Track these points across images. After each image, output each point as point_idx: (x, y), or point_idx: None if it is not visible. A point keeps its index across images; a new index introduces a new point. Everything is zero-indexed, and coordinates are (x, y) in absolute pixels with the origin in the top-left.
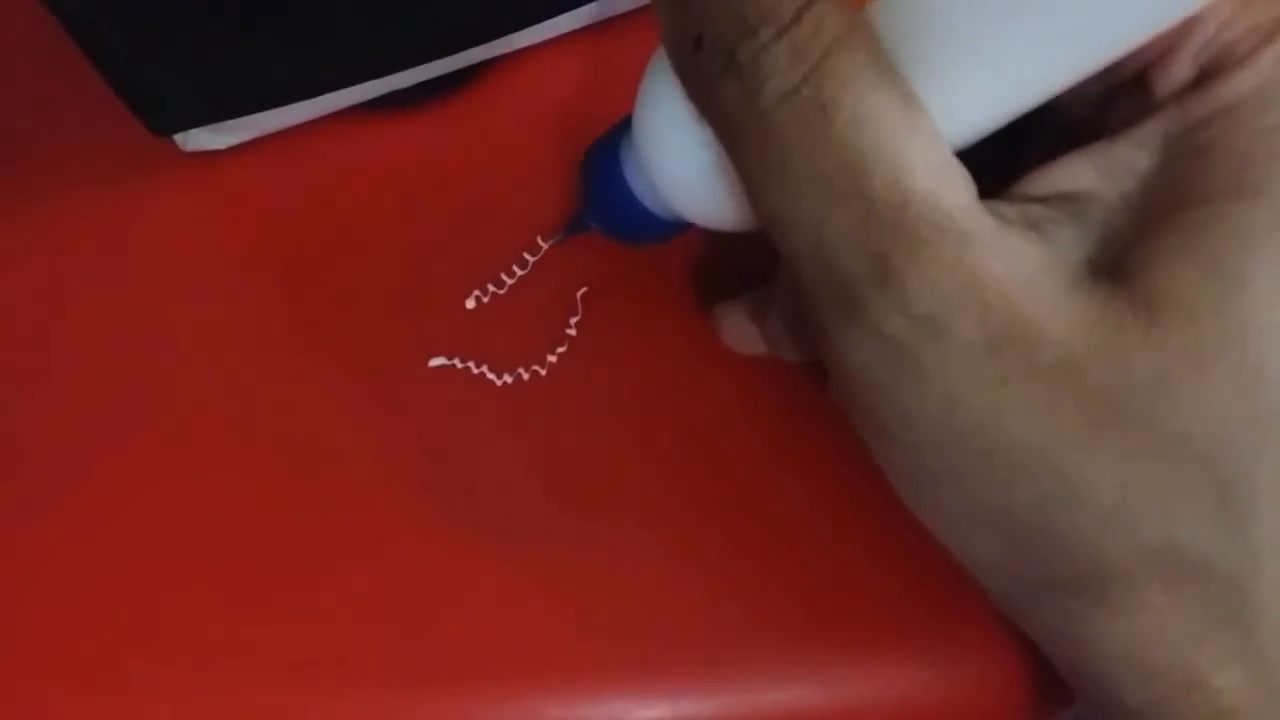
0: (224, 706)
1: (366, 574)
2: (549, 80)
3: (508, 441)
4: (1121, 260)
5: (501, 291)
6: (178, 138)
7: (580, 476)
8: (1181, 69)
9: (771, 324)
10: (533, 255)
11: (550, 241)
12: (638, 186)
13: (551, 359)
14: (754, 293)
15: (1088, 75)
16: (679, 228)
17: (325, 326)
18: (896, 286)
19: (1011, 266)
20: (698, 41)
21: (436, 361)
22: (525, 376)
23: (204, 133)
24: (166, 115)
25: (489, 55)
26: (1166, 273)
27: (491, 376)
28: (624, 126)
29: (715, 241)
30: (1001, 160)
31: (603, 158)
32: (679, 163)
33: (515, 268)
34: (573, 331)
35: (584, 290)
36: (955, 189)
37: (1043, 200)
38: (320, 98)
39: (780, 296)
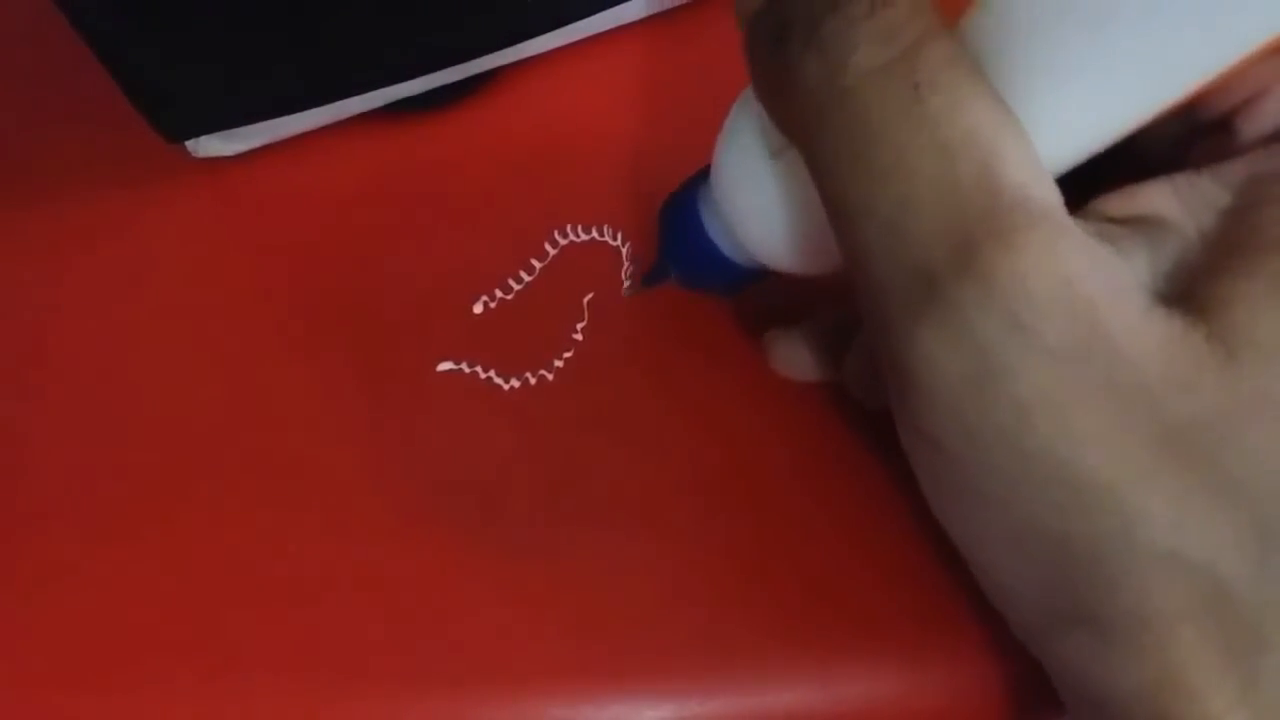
0: (229, 708)
1: (374, 576)
2: (555, 89)
3: (514, 444)
4: (1192, 294)
5: (509, 297)
6: (189, 144)
7: (586, 479)
8: (1269, 115)
9: (851, 362)
10: (540, 262)
11: (627, 293)
12: (717, 235)
13: (558, 364)
14: (811, 321)
15: (1176, 103)
16: (757, 275)
17: (335, 331)
18: (982, 277)
19: (1100, 273)
20: (778, 36)
21: (445, 366)
22: (532, 381)
23: (215, 139)
24: (178, 121)
25: (497, 64)
26: (1248, 314)
27: (499, 381)
28: (701, 177)
29: None
30: (1078, 198)
31: (681, 207)
32: (757, 206)
33: (523, 274)
34: (579, 337)
35: (590, 296)
36: (1046, 189)
37: (1120, 221)
38: (330, 105)
39: (866, 335)
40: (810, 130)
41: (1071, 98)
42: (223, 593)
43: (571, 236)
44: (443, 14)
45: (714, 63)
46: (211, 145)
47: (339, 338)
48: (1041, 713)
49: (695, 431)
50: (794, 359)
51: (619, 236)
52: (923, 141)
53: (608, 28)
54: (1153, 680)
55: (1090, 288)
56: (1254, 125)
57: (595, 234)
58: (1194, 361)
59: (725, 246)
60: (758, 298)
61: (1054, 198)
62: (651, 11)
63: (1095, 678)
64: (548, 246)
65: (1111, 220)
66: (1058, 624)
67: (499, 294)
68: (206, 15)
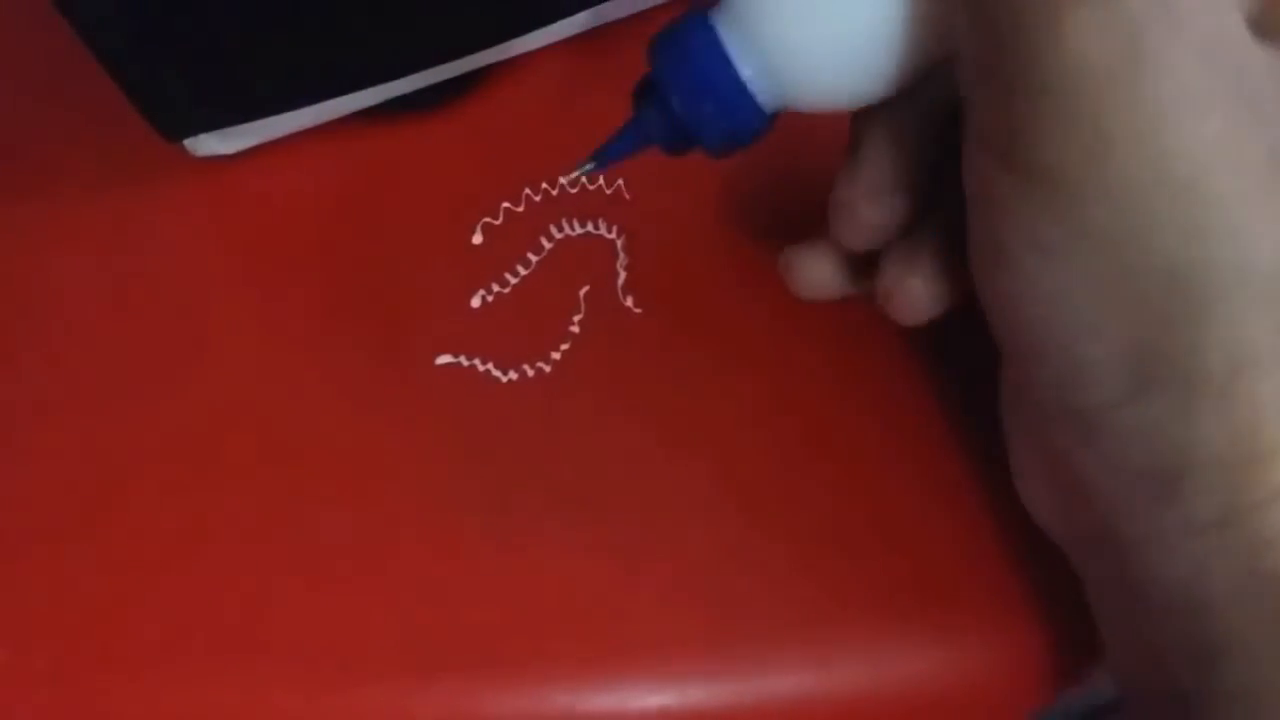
0: (235, 697)
1: (375, 566)
2: (550, 84)
3: (513, 435)
4: None
5: (506, 291)
6: (188, 143)
7: (583, 469)
8: None
9: (927, 255)
10: (536, 256)
11: (585, 168)
12: (736, 56)
13: (556, 356)
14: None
15: None
16: (764, 122)
17: (334, 326)
18: None
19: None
20: None
21: (443, 359)
22: (530, 373)
23: (213, 138)
24: (177, 121)
25: (493, 60)
26: None
27: (497, 373)
28: (698, 12)
29: (712, 241)
30: None
31: (689, 28)
32: (821, 22)
33: (519, 268)
34: (576, 329)
35: (586, 289)
36: None
37: None
38: (327, 103)
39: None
40: None
41: None
42: (225, 584)
43: (567, 230)
44: (439, 10)
45: None
46: (210, 144)
47: (338, 332)
48: (1043, 696)
49: (691, 420)
50: (817, 275)
51: (614, 230)
52: None
53: (603, 22)
54: (1232, 435)
55: None
56: None
57: (590, 228)
58: None
59: (745, 70)
60: (749, 295)
61: None
62: (639, 9)
63: (1168, 445)
64: (544, 240)
65: None
66: (1135, 390)
67: (496, 288)
68: (202, 14)
